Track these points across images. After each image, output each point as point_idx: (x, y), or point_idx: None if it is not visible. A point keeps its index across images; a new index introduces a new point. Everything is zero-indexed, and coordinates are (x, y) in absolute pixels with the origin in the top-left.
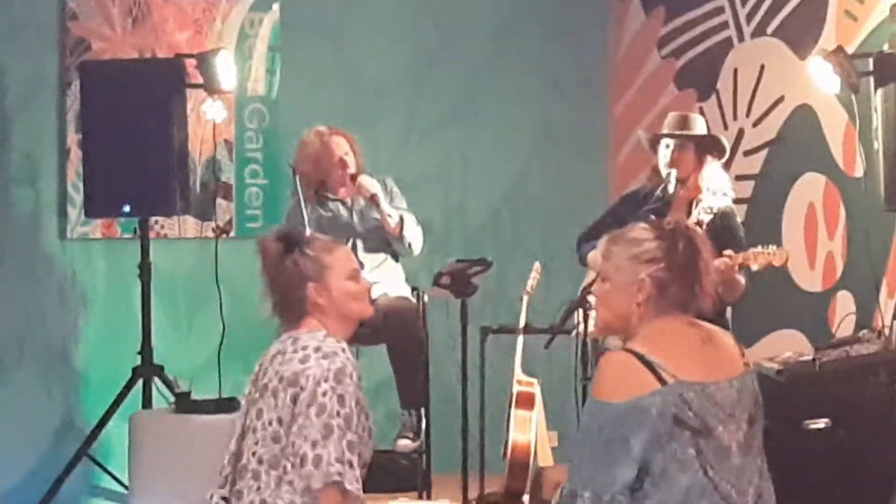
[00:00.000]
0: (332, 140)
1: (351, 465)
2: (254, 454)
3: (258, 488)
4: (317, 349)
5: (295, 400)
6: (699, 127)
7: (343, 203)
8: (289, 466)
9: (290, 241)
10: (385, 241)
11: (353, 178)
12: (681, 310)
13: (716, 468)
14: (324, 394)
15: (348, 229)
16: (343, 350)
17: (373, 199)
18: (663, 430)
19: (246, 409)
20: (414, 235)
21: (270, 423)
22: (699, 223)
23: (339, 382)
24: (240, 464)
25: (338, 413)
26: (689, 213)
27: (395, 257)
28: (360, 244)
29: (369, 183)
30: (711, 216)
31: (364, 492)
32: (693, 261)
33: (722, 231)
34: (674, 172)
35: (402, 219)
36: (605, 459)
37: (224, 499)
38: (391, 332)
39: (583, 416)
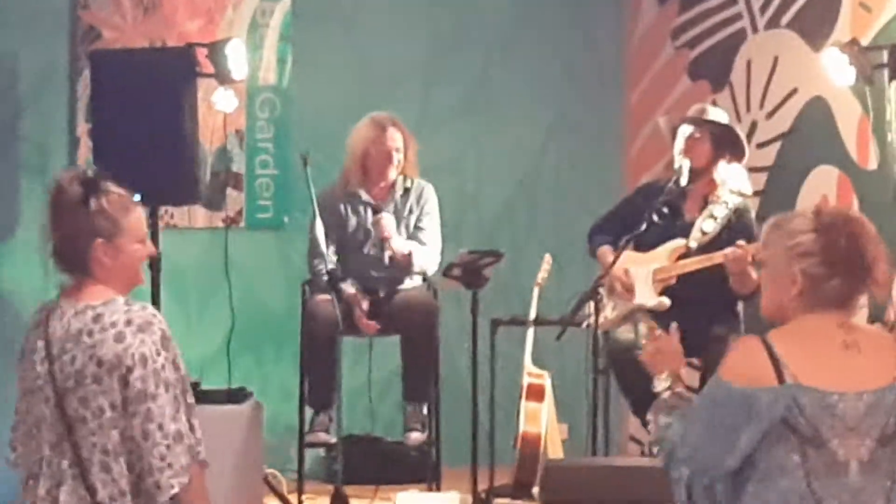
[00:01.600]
0: (389, 129)
1: (197, 433)
2: (94, 445)
3: (113, 479)
4: (128, 322)
5: (125, 382)
6: (718, 119)
7: (371, 206)
8: (140, 448)
9: (90, 189)
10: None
11: (393, 182)
12: (839, 305)
13: (823, 482)
14: (158, 369)
15: (363, 238)
16: (153, 315)
17: (384, 241)
18: (771, 429)
19: (55, 399)
20: (426, 264)
21: (103, 411)
22: (714, 217)
23: (167, 349)
24: (79, 458)
25: (176, 381)
26: (702, 208)
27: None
28: (370, 253)
29: (387, 224)
30: (727, 211)
31: (374, 483)
32: (856, 255)
33: (737, 227)
34: (686, 163)
35: (410, 253)
36: (713, 440)
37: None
38: (406, 324)
39: (707, 385)
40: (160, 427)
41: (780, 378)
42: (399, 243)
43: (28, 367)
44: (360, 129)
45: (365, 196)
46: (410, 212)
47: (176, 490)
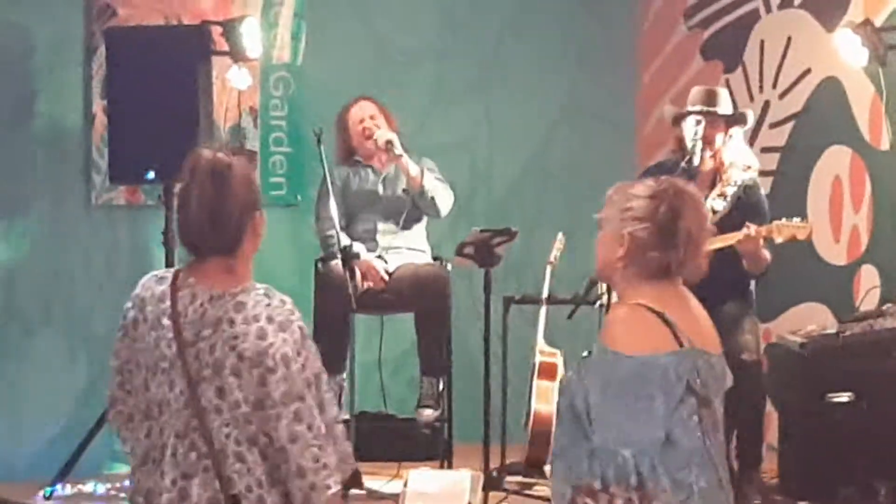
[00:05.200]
0: (358, 103)
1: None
2: (228, 436)
3: (248, 469)
4: (269, 319)
5: (263, 382)
6: (725, 101)
7: (374, 170)
8: (286, 452)
9: (252, 162)
10: (406, 204)
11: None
12: (662, 276)
13: (712, 440)
14: (299, 369)
15: (372, 195)
16: (291, 312)
17: (388, 147)
18: (677, 392)
19: (188, 384)
20: (436, 190)
21: (239, 405)
22: (723, 195)
23: (305, 348)
24: (213, 449)
25: (314, 382)
26: (712, 187)
27: (419, 221)
28: (380, 211)
29: (383, 133)
30: (736, 189)
31: (386, 460)
32: (673, 226)
33: (747, 204)
34: (700, 144)
35: (422, 171)
36: (637, 416)
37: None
38: (420, 298)
39: (595, 366)
40: (309, 427)
41: (679, 343)
42: (404, 154)
43: (149, 343)
44: (337, 116)
45: (364, 161)
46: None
47: (333, 490)
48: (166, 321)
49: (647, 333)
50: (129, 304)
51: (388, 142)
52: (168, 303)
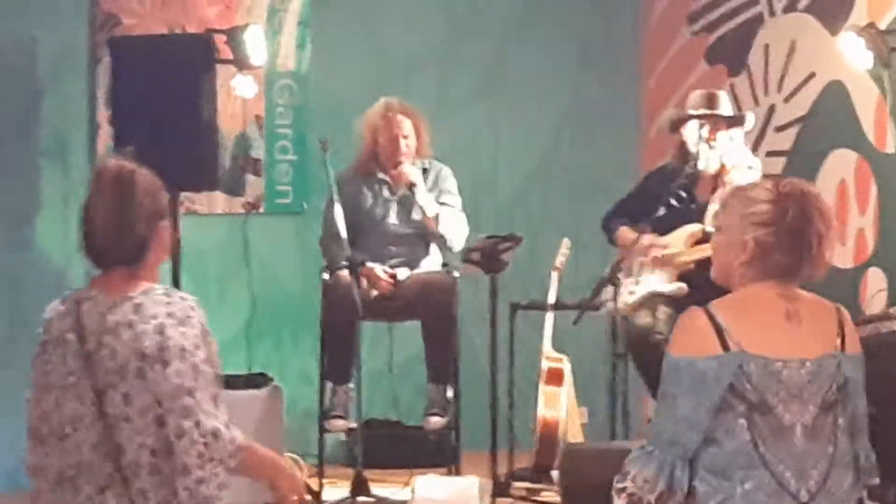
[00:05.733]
0: (397, 117)
1: (228, 420)
2: (141, 446)
3: (163, 482)
4: (169, 315)
5: (165, 377)
6: (726, 103)
7: (389, 187)
8: (184, 447)
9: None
10: (417, 233)
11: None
12: (782, 277)
13: (769, 446)
14: (196, 363)
15: (382, 225)
16: (192, 307)
17: (410, 189)
18: (717, 396)
19: (94, 395)
20: (451, 230)
21: (149, 409)
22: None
23: (205, 344)
24: (125, 461)
25: (213, 378)
26: (713, 190)
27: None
28: (389, 226)
29: (411, 171)
30: None
31: (394, 467)
32: (802, 229)
33: None
34: (705, 147)
35: (437, 215)
36: (667, 416)
37: None
38: (426, 307)
39: (664, 367)
40: (197, 424)
41: (725, 346)
42: (425, 195)
43: (56, 361)
44: (369, 115)
45: (382, 175)
46: (430, 192)
47: (211, 493)
48: (70, 336)
49: (690, 336)
50: (40, 330)
51: (413, 184)
52: (72, 318)
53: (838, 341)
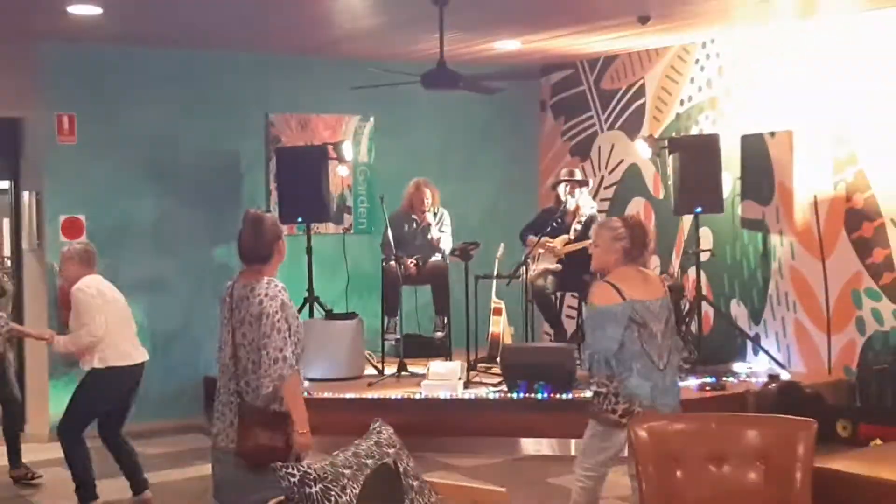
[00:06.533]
0: (422, 188)
1: (296, 358)
2: (247, 359)
3: (254, 372)
4: (266, 294)
5: (260, 326)
6: (579, 174)
7: (417, 223)
8: (265, 362)
9: (274, 216)
10: (429, 245)
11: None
12: (635, 262)
13: (648, 344)
14: (275, 322)
15: (412, 237)
16: (280, 290)
17: (427, 225)
18: (623, 323)
19: (231, 331)
20: (445, 244)
21: (252, 341)
22: (579, 222)
23: (282, 310)
24: (240, 365)
25: (288, 329)
26: (574, 218)
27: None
28: (416, 241)
29: (428, 216)
30: (585, 219)
31: (418, 357)
32: (643, 239)
33: (588, 227)
34: (570, 199)
35: (439, 238)
36: (601, 337)
37: (237, 391)
38: (433, 277)
39: (586, 312)
40: (274, 344)
41: (623, 297)
42: (434, 228)
43: (223, 310)
44: (409, 186)
45: (415, 216)
46: (437, 224)
47: (268, 390)
48: (227, 299)
49: (606, 295)
50: (223, 294)
51: (428, 223)
52: (229, 290)
53: (664, 290)
